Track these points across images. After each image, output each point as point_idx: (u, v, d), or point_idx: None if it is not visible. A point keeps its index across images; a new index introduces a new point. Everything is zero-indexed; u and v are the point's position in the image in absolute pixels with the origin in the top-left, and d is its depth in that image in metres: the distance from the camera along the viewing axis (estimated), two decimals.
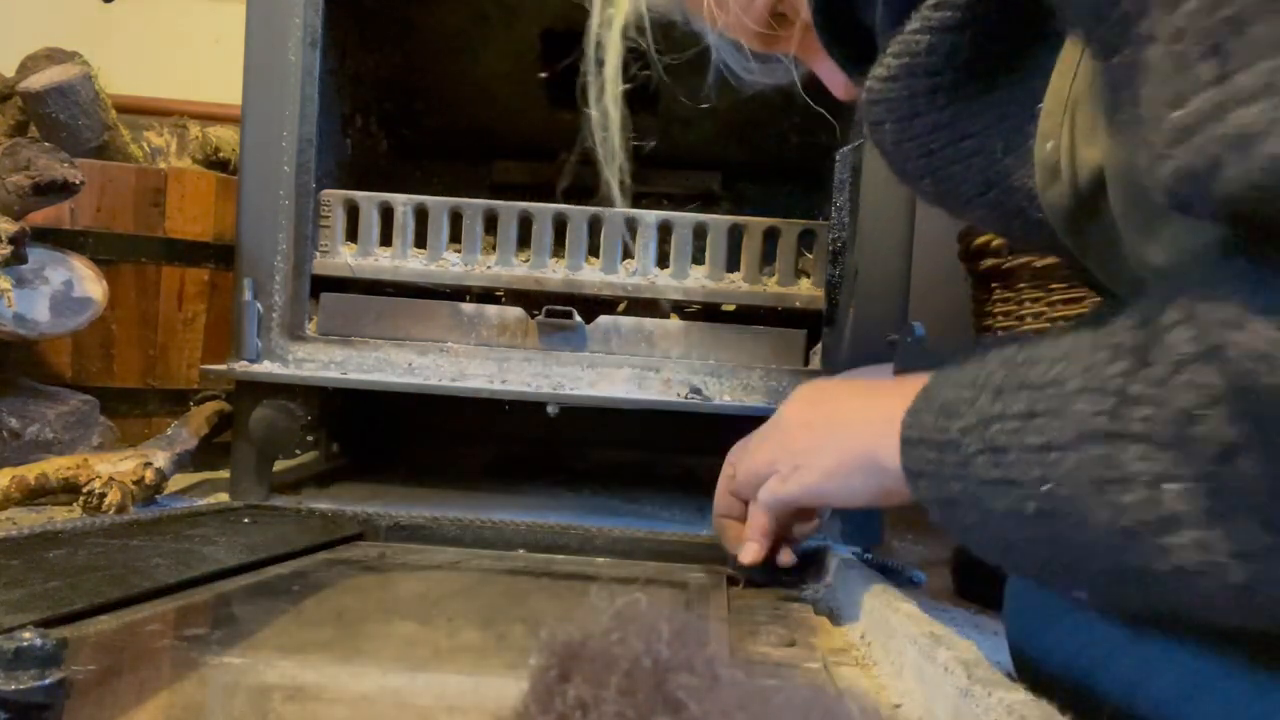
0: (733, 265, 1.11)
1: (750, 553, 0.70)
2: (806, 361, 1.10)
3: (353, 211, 1.13)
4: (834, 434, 0.58)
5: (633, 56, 0.70)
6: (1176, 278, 0.37)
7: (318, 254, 1.12)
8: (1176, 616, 0.40)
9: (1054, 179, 0.50)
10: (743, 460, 0.69)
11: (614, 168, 0.71)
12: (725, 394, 1.08)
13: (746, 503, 0.72)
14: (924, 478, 0.47)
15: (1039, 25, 0.48)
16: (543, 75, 1.36)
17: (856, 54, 0.59)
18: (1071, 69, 0.49)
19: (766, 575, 0.73)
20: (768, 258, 1.11)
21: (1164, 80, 0.32)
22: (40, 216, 1.20)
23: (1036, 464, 0.40)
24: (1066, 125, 0.48)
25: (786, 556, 0.73)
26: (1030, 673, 0.54)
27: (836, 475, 0.57)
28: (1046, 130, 0.50)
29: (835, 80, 0.65)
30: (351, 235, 1.13)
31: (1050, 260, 1.18)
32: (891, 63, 0.53)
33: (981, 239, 1.30)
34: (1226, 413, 0.33)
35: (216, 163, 1.54)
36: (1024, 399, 0.41)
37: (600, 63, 0.69)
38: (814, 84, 0.70)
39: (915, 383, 0.49)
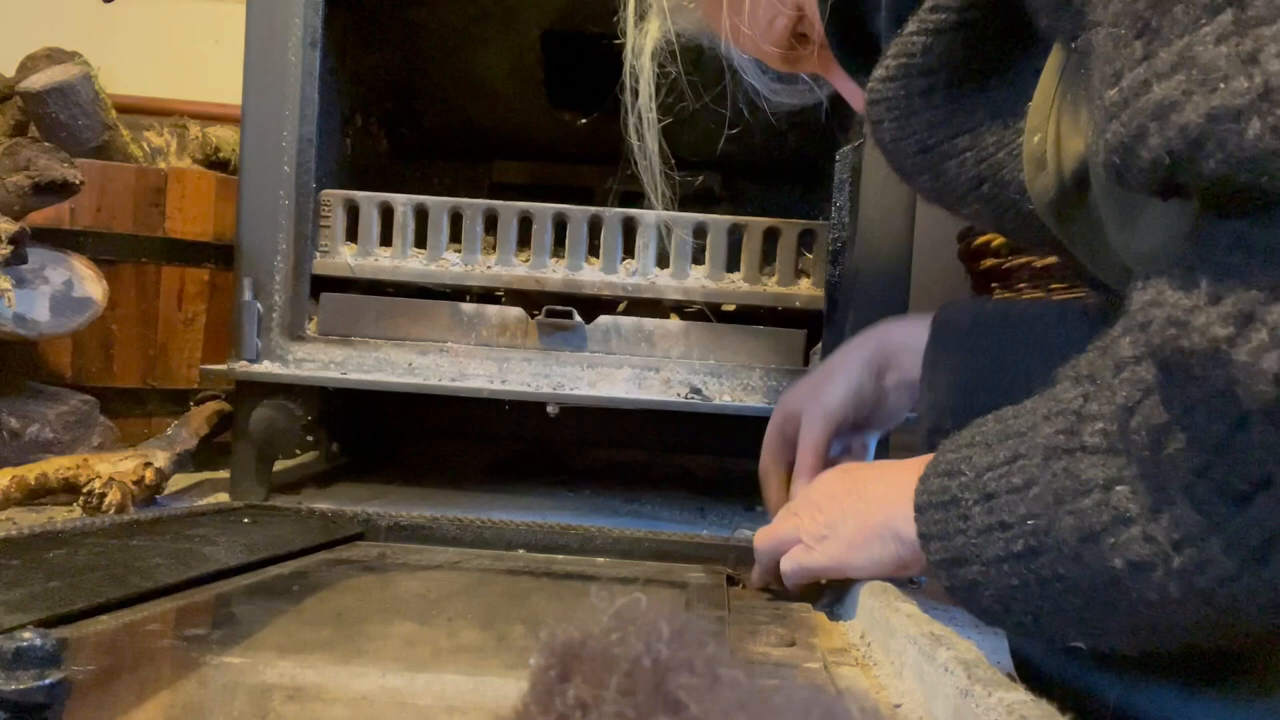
0: (733, 265, 1.11)
1: (759, 583, 0.71)
2: (806, 361, 1.10)
3: (353, 211, 1.13)
4: (856, 506, 0.59)
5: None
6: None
7: (318, 254, 1.11)
8: (1158, 638, 0.41)
9: (1040, 170, 0.51)
10: (765, 527, 0.69)
11: (657, 191, 0.80)
12: (725, 394, 1.08)
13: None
14: (934, 540, 0.47)
15: (1030, 27, 0.49)
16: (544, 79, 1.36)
17: (868, 64, 0.59)
18: (1059, 66, 0.49)
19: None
20: (768, 258, 1.11)
21: (1106, 60, 0.34)
22: (40, 216, 1.20)
23: (1021, 502, 0.42)
24: (1053, 119, 0.49)
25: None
26: (1030, 673, 0.54)
27: (858, 545, 0.58)
28: (1034, 125, 0.52)
29: (854, 94, 0.66)
30: (351, 235, 1.13)
31: (1050, 260, 1.18)
32: (890, 63, 0.54)
33: (981, 239, 1.30)
34: (1157, 400, 0.34)
35: (216, 163, 1.54)
36: (1009, 446, 0.43)
37: (635, 92, 0.73)
38: (837, 100, 0.72)
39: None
